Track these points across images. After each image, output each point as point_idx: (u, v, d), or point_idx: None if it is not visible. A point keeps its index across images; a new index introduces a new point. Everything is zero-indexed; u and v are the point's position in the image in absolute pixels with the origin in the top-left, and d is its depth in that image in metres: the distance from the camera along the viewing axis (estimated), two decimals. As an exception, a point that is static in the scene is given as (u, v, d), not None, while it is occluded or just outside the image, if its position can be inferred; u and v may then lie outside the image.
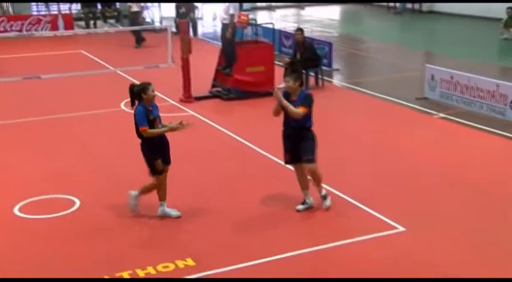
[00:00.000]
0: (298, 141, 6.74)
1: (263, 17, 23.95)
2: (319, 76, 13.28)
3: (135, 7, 18.35)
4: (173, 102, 11.99)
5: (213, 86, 12.67)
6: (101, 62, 15.72)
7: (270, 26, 14.57)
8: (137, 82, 6.91)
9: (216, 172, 8.39)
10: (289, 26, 20.95)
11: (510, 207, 7.16)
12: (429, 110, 11.27)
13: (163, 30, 18.40)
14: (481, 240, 6.33)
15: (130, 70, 13.88)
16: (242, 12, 13.42)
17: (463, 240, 6.35)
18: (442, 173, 8.23)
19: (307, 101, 6.65)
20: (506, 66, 15.14)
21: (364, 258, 5.99)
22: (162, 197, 6.87)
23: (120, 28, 17.87)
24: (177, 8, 19.93)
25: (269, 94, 12.34)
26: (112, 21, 22.51)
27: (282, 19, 23.89)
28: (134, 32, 17.96)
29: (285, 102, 6.55)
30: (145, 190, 6.85)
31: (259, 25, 15.24)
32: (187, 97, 12.03)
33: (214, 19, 22.14)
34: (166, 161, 6.78)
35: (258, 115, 11.20)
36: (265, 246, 6.22)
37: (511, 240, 6.38)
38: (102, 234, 6.56)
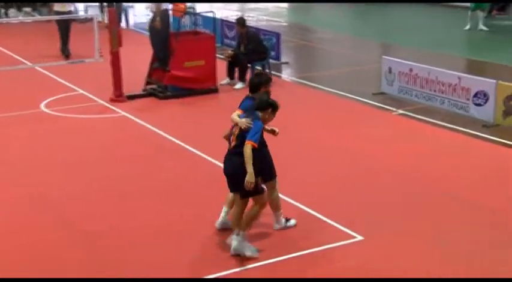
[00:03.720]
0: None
1: (202, 5, 23.95)
2: (267, 70, 13.44)
3: (67, 6, 15.79)
4: (102, 102, 11.89)
5: (148, 83, 12.63)
6: (16, 56, 15.41)
7: (211, 14, 14.63)
8: None
9: (152, 180, 8.39)
10: (232, 15, 21.06)
11: (470, 209, 7.47)
12: (387, 106, 11.59)
13: (88, 20, 18.19)
14: (441, 244, 6.60)
15: (51, 66, 13.67)
16: (178, 0, 13.41)
17: (423, 245, 6.59)
18: (400, 173, 8.50)
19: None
20: (470, 58, 15.72)
21: (320, 271, 6.13)
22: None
23: (38, 17, 17.46)
24: None
25: (211, 91, 12.47)
26: (28, 9, 22.04)
27: (224, 7, 23.98)
28: (64, 36, 15.66)
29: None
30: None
31: (198, 14, 15.30)
32: (118, 96, 11.96)
33: (147, 8, 22.03)
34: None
35: (198, 115, 11.24)
36: (217, 261, 6.31)
37: (471, 242, 6.68)
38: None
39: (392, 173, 8.55)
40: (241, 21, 13.30)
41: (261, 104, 6.33)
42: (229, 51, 13.39)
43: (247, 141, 6.03)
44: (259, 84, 6.72)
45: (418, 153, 9.32)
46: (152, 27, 12.47)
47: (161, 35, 12.30)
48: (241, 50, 13.17)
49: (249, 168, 5.97)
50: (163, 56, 12.33)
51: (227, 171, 6.36)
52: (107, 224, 7.12)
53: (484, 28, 18.43)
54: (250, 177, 5.98)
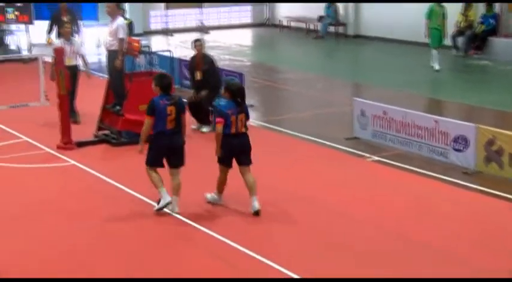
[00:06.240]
0: None
1: (159, 43, 24.12)
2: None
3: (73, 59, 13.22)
4: (49, 150, 11.73)
5: (100, 128, 12.54)
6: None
7: (168, 54, 14.70)
8: None
9: (102, 239, 8.31)
10: (191, 54, 21.18)
11: (444, 260, 7.56)
12: (361, 152, 11.68)
13: (32, 59, 18.07)
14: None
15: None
16: (132, 37, 13.43)
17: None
18: (376, 225, 8.56)
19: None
20: (445, 100, 16.00)
21: None
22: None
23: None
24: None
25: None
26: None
27: (182, 45, 24.15)
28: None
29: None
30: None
31: (154, 53, 15.35)
32: (67, 143, 11.82)
33: (98, 46, 22.02)
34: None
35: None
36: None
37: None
38: None
39: (368, 223, 8.60)
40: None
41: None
42: (193, 97, 13.30)
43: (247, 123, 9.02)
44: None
45: (394, 202, 9.40)
46: (113, 68, 12.36)
47: (121, 76, 12.29)
48: (197, 77, 13.20)
49: None
50: (120, 98, 12.27)
51: (246, 148, 8.96)
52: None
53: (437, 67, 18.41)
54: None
